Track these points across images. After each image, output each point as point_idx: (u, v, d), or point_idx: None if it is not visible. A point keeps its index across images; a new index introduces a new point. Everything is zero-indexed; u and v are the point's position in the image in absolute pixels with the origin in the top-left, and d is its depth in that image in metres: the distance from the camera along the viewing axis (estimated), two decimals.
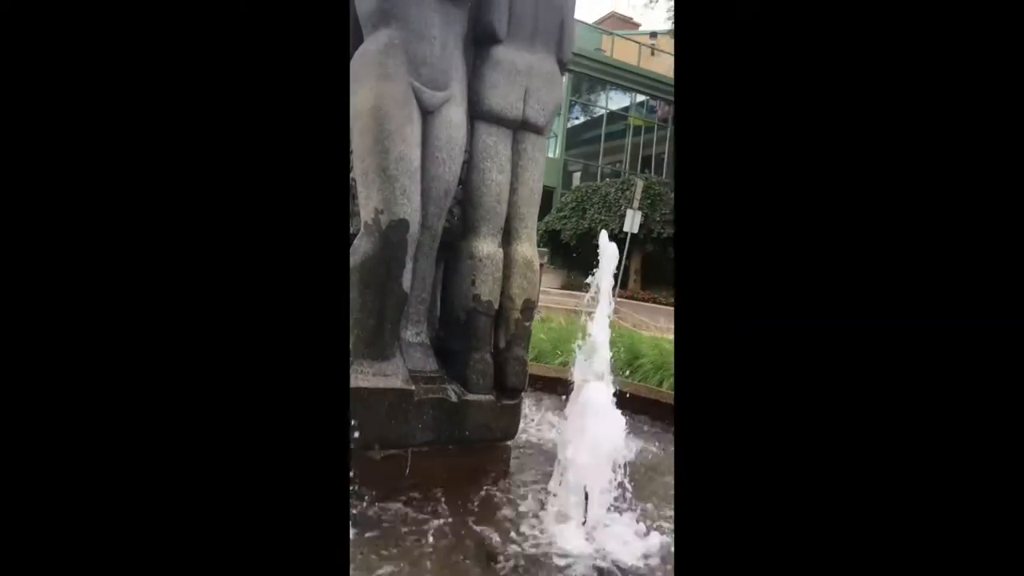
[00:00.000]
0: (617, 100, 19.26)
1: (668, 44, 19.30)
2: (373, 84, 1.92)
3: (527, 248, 2.23)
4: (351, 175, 2.17)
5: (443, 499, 1.97)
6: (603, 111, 18.62)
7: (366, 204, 1.98)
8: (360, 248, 1.98)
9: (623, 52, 18.51)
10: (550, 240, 14.83)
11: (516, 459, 2.37)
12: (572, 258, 14.95)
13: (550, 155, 17.15)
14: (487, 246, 2.15)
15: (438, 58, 1.98)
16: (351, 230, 2.27)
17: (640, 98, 19.31)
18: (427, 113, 2.00)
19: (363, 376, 1.95)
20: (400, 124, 1.92)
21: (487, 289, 2.14)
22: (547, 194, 16.00)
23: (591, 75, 17.59)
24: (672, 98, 15.14)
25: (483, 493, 2.08)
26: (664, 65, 18.69)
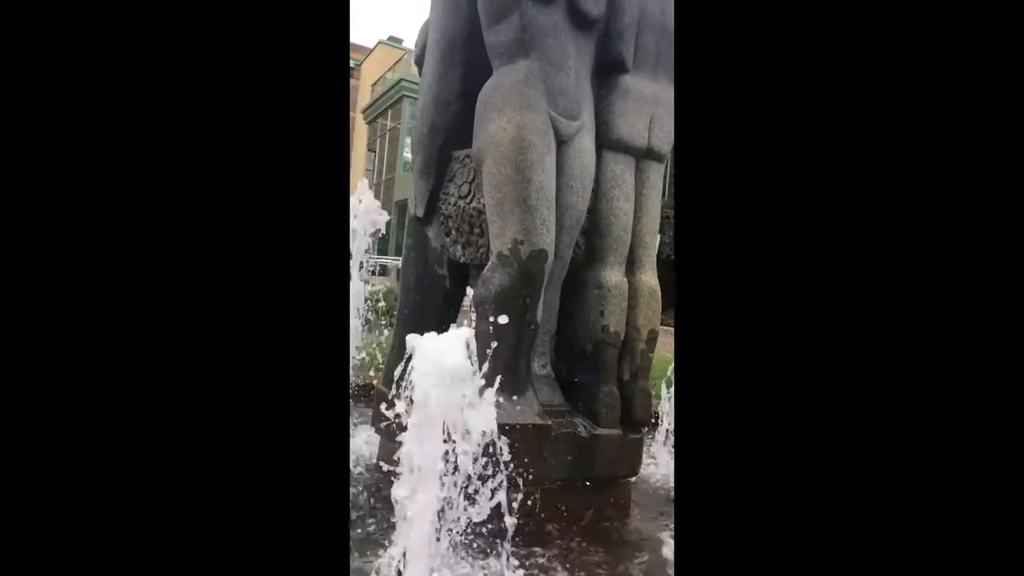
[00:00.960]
0: None
1: None
2: (513, 114, 1.89)
3: (650, 277, 2.19)
4: (474, 204, 2.13)
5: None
6: None
7: (501, 234, 1.94)
8: (495, 279, 1.93)
9: None
10: None
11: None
12: None
13: None
14: (614, 275, 2.11)
15: (573, 88, 1.97)
16: (465, 260, 2.23)
17: None
18: (561, 143, 1.97)
19: (501, 411, 1.89)
20: (541, 154, 1.89)
21: (615, 320, 2.09)
22: None
23: None
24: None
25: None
26: None
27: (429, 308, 2.41)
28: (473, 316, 2.36)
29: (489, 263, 1.98)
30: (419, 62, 2.55)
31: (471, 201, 2.17)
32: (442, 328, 2.47)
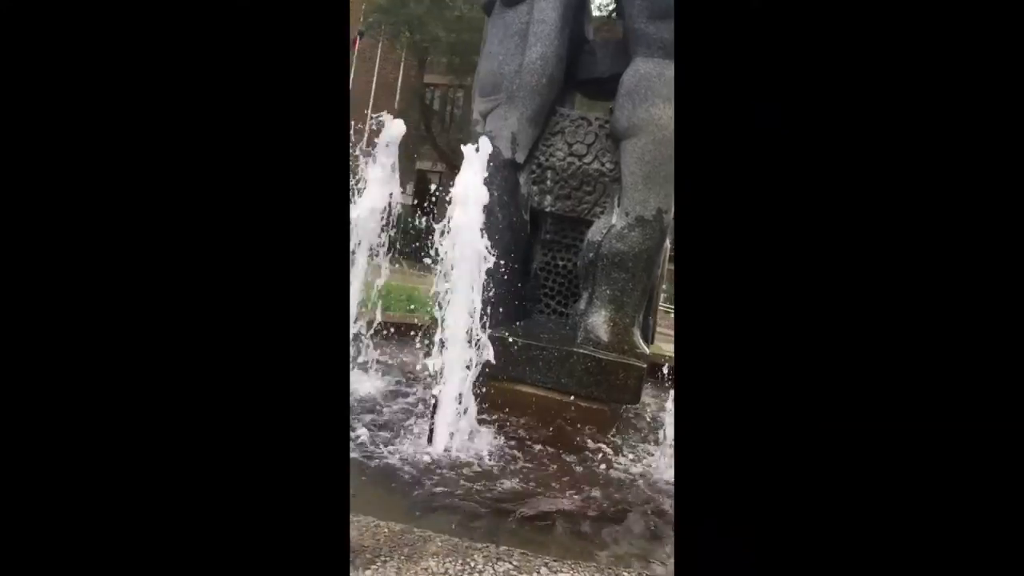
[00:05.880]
0: None
1: None
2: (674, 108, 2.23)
3: None
4: (595, 166, 2.38)
5: None
6: None
7: (644, 201, 2.28)
8: (633, 237, 2.27)
9: None
10: None
11: None
12: None
13: None
14: None
15: None
16: (552, 210, 2.46)
17: None
18: None
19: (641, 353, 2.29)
20: None
21: None
22: None
23: None
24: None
25: None
26: None
27: (516, 249, 2.52)
28: (570, 260, 2.60)
29: (622, 223, 2.30)
30: (489, 7, 2.52)
31: (591, 162, 2.41)
32: (526, 267, 2.64)
